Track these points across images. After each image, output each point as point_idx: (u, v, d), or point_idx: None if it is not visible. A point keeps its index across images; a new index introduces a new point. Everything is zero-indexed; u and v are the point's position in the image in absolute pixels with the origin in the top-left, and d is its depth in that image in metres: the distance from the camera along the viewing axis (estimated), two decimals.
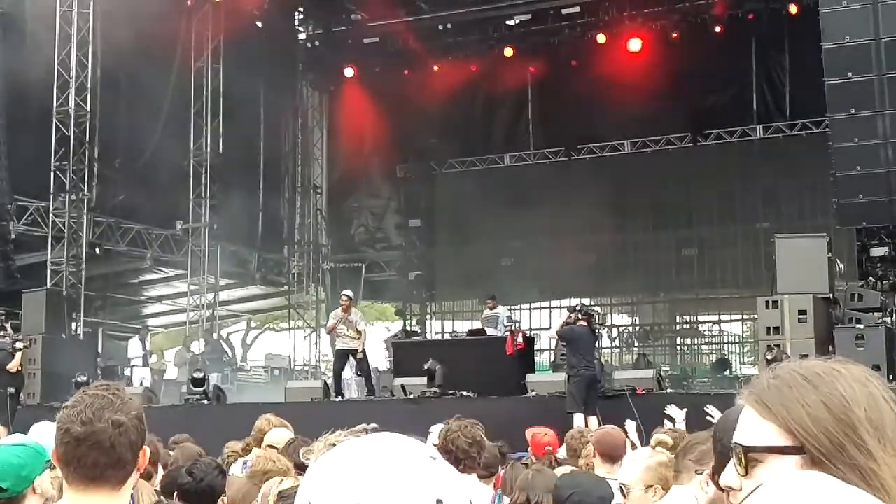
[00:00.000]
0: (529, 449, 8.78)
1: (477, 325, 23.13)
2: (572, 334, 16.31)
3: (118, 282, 25.59)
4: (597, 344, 17.34)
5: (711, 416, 9.98)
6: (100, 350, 23.54)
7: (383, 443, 1.55)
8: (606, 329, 28.34)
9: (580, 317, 16.30)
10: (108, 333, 25.00)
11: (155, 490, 5.47)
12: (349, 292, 20.16)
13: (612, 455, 6.87)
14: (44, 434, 3.98)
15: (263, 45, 26.69)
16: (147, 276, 27.58)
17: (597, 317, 16.65)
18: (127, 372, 23.20)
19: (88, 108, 22.39)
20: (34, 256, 23.03)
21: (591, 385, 15.71)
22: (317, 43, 29.12)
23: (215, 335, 26.93)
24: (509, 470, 6.33)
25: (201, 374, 20.32)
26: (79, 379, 18.61)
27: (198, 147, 25.92)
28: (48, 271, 22.26)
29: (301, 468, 6.08)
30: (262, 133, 28.08)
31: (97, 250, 23.52)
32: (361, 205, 30.08)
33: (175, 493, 4.98)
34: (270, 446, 7.30)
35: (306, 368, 29.46)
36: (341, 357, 19.80)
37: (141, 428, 2.78)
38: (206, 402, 19.69)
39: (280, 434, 7.46)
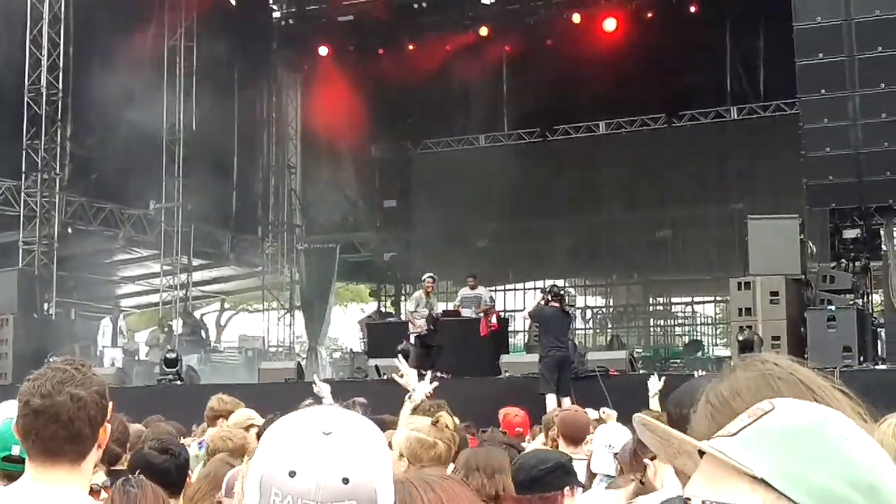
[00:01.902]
0: (500, 428, 8.80)
1: (451, 306, 23.11)
2: (542, 315, 16.38)
3: (91, 262, 25.43)
4: (571, 325, 17.32)
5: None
6: (73, 330, 23.43)
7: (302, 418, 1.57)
8: (580, 310, 28.44)
9: (550, 298, 16.34)
10: (81, 314, 24.86)
11: (122, 469, 5.44)
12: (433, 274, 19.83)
13: (575, 436, 6.95)
14: (13, 412, 3.96)
15: (237, 24, 26.51)
16: (120, 256, 27.46)
17: (567, 298, 16.67)
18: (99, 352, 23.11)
19: (60, 87, 22.23)
20: (6, 236, 22.91)
21: (561, 366, 15.72)
22: (291, 21, 28.93)
23: (199, 314, 26.84)
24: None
25: (174, 355, 20.28)
26: (52, 359, 18.51)
27: (171, 126, 25.75)
28: (20, 251, 22.14)
29: None
30: (236, 113, 27.91)
31: (69, 230, 23.39)
32: (336, 185, 29.95)
33: (140, 472, 4.93)
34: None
35: (280, 349, 29.43)
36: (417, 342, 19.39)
37: (102, 404, 2.77)
38: (178, 382, 19.66)
39: (244, 414, 7.43)
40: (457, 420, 6.26)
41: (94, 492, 3.68)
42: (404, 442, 4.38)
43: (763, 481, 1.17)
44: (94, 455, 2.82)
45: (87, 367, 2.84)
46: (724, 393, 1.63)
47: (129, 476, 3.96)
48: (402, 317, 19.90)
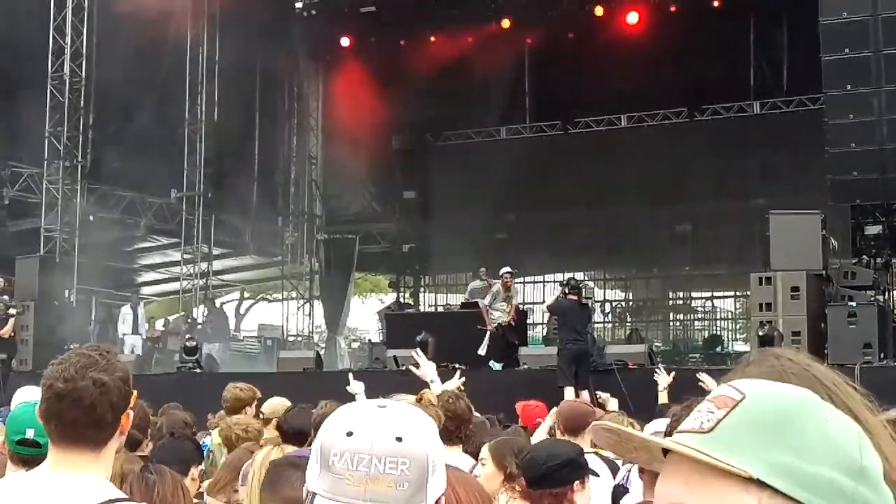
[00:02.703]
0: (520, 421, 8.82)
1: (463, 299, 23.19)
2: (559, 308, 16.41)
3: (112, 249, 25.54)
4: (591, 318, 17.24)
5: (704, 383, 10.15)
6: (93, 317, 23.56)
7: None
8: (599, 304, 28.36)
9: (568, 291, 16.34)
10: (102, 301, 24.98)
11: (143, 456, 5.48)
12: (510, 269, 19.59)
13: (573, 427, 6.96)
14: (28, 397, 3.99)
15: (259, 14, 26.49)
16: (141, 245, 27.55)
17: (585, 290, 16.61)
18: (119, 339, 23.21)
19: (83, 75, 22.32)
20: (27, 223, 23.03)
21: (579, 359, 15.71)
22: (313, 12, 28.87)
23: (218, 303, 26.96)
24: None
25: (194, 343, 20.37)
26: (72, 346, 18.62)
27: (193, 116, 25.82)
28: (41, 238, 22.24)
29: (287, 433, 6.10)
30: (258, 103, 27.96)
31: (91, 217, 23.48)
32: (356, 176, 29.97)
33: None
34: (267, 418, 7.34)
35: (299, 339, 29.51)
36: (501, 332, 19.24)
37: (125, 390, 2.77)
38: (198, 370, 19.76)
39: (278, 401, 7.49)
40: (467, 401, 6.26)
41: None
42: None
43: (756, 480, 1.12)
44: (117, 441, 2.83)
45: (111, 354, 2.85)
46: None
47: (148, 464, 4.00)
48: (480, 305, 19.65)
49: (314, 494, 1.58)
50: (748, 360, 1.73)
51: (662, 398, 10.05)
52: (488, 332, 18.87)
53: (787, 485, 1.11)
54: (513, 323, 19.27)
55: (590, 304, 16.75)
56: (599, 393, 9.66)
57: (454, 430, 5.94)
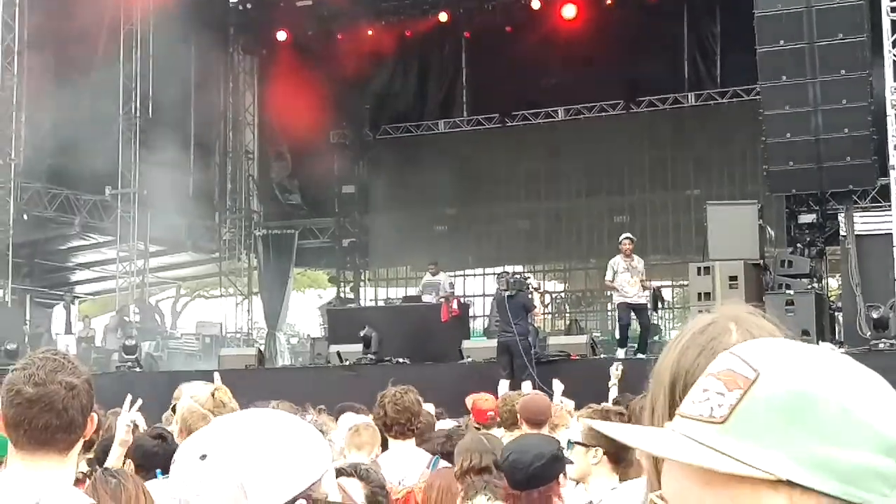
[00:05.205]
0: (471, 415, 8.82)
1: (412, 291, 23.22)
2: (494, 301, 16.50)
3: (46, 248, 25.14)
4: (525, 307, 16.90)
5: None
6: (28, 317, 23.20)
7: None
8: (539, 295, 28.46)
9: (499, 284, 16.38)
10: (36, 300, 24.60)
11: (89, 458, 5.42)
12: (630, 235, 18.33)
13: (536, 420, 7.01)
14: None
15: (194, 8, 26.20)
16: (75, 243, 27.17)
17: (505, 283, 16.43)
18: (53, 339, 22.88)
19: (16, 71, 21.92)
20: None
21: (509, 350, 15.74)
22: (248, 6, 28.59)
23: (153, 301, 26.65)
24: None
25: (133, 342, 20.16)
26: (8, 346, 18.39)
27: (127, 112, 25.47)
28: None
29: None
30: (193, 98, 27.64)
31: (25, 216, 23.10)
32: (294, 171, 29.79)
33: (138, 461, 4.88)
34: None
35: (238, 335, 29.28)
36: (626, 310, 18.17)
37: (91, 392, 2.77)
38: (138, 369, 19.57)
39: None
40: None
41: (78, 481, 3.66)
42: (180, 412, 4.40)
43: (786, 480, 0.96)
44: (80, 444, 2.81)
45: (71, 356, 2.85)
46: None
47: (106, 468, 3.95)
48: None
49: None
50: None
51: (613, 393, 10.13)
52: (620, 308, 18.24)
53: (821, 481, 0.96)
54: (646, 301, 18.11)
55: (517, 295, 16.32)
56: (564, 399, 9.71)
57: (405, 423, 5.97)
